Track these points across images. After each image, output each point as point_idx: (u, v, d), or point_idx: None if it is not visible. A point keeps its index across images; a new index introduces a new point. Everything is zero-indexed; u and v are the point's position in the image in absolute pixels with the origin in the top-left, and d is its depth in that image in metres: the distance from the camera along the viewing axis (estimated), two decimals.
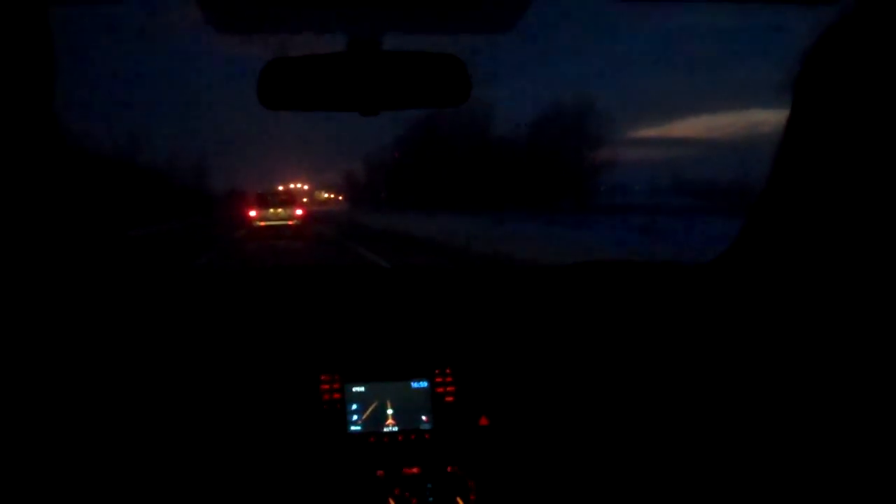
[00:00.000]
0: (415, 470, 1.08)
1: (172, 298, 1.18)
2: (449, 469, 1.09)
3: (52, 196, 0.82)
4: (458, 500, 1.06)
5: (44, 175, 0.81)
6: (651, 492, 1.04)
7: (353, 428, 1.11)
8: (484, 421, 1.13)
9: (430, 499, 1.06)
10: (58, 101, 0.80)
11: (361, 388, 1.14)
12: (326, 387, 1.13)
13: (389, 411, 1.13)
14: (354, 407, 1.12)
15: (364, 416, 1.12)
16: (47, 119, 0.81)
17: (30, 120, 0.78)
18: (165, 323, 1.11)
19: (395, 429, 1.12)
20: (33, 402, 0.85)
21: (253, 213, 23.51)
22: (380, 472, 1.08)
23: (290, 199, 24.74)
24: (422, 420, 1.13)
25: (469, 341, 1.18)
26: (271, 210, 23.37)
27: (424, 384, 1.15)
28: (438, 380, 1.15)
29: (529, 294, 1.28)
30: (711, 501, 0.97)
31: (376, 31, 1.19)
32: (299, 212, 23.84)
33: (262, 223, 22.42)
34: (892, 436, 0.75)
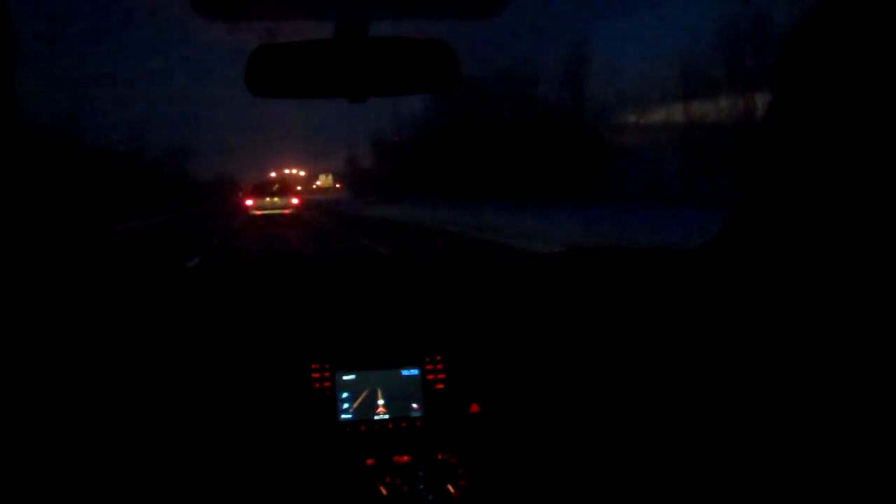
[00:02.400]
0: (405, 458, 1.08)
1: (161, 289, 1.17)
2: (440, 456, 1.09)
3: (21, 189, 0.80)
4: (449, 487, 1.07)
5: (9, 167, 0.78)
6: (642, 479, 1.05)
7: (343, 416, 1.11)
8: (475, 408, 1.13)
9: (421, 486, 1.06)
10: (20, 89, 0.77)
11: (352, 377, 1.13)
12: (317, 375, 1.12)
13: (380, 400, 1.13)
14: (345, 395, 1.12)
15: (355, 405, 1.12)
16: (4, 104, 0.78)
17: None
18: (154, 314, 1.11)
19: (386, 417, 1.12)
20: (25, 396, 0.85)
21: (249, 203, 23.64)
22: (370, 461, 1.08)
23: (286, 189, 24.85)
24: (412, 408, 1.13)
25: (460, 329, 1.18)
26: (267, 199, 23.45)
27: (415, 372, 1.14)
28: (429, 367, 1.14)
29: (520, 281, 1.28)
30: (703, 489, 0.98)
31: (365, 17, 1.18)
32: (295, 201, 24.00)
33: (259, 212, 22.51)
34: (875, 415, 0.75)
